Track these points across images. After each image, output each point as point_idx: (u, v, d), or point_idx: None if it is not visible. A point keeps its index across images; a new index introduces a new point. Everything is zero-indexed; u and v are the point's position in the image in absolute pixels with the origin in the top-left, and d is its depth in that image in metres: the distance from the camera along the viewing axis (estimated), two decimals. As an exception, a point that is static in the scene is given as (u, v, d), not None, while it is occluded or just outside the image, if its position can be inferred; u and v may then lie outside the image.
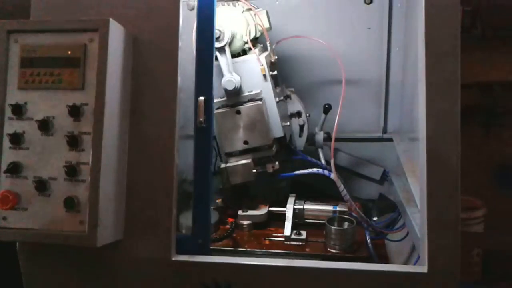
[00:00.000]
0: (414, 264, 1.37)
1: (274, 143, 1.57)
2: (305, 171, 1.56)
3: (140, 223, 1.19)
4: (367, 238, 1.46)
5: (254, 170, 1.53)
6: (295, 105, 1.72)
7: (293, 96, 1.72)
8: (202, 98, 1.22)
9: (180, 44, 1.21)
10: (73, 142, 1.10)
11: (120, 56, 1.17)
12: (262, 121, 1.49)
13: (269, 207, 1.58)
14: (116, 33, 1.14)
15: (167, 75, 1.20)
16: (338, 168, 2.07)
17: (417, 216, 1.42)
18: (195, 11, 1.27)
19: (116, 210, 1.16)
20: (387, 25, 1.92)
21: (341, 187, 1.47)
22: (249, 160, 1.52)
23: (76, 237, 1.10)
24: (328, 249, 1.40)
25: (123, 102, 1.18)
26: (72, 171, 1.10)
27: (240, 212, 1.55)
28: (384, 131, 2.00)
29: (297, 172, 1.58)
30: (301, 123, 1.72)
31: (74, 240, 1.10)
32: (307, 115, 1.73)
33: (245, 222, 1.53)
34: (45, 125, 1.12)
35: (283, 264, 1.20)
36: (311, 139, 1.77)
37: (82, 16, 1.20)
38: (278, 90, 1.61)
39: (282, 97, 1.59)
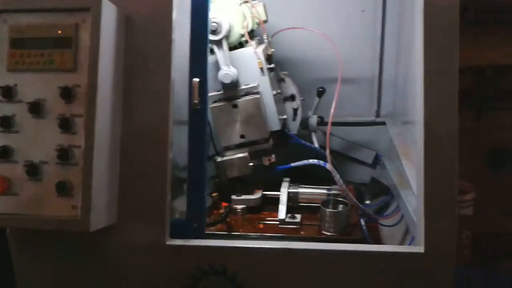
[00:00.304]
0: (408, 246, 1.37)
1: (271, 136, 1.55)
2: (301, 162, 1.55)
3: (133, 207, 1.17)
4: (361, 221, 1.45)
5: (251, 164, 1.51)
6: (289, 88, 1.70)
7: (287, 80, 1.70)
8: (196, 79, 1.20)
9: (174, 25, 1.17)
10: (65, 125, 1.07)
11: (113, 36, 1.13)
12: (259, 114, 1.47)
13: (263, 191, 1.57)
14: (108, 12, 1.10)
15: (161, 56, 1.17)
16: (331, 152, 2.07)
17: (411, 199, 1.41)
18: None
19: (109, 194, 1.13)
20: (381, 8, 1.90)
21: (337, 177, 1.46)
22: (245, 154, 1.51)
23: (68, 222, 1.07)
24: (323, 231, 1.39)
25: (116, 84, 1.15)
26: (64, 155, 1.07)
27: (234, 197, 1.53)
28: (377, 114, 2.00)
29: (292, 164, 1.57)
30: (295, 106, 1.70)
31: (66, 225, 1.07)
32: (301, 98, 1.71)
33: (239, 207, 1.52)
34: (36, 108, 1.08)
35: (278, 246, 1.18)
36: (304, 123, 1.76)
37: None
38: (275, 77, 1.60)
39: (279, 91, 1.58)
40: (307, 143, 1.67)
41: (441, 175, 1.12)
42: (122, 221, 1.17)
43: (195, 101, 1.19)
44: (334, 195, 1.51)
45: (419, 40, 1.14)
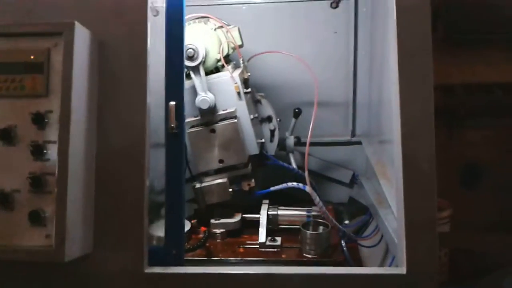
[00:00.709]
0: (389, 266, 1.35)
1: (250, 160, 1.53)
2: (280, 186, 1.53)
3: (110, 234, 1.13)
4: (342, 242, 1.43)
5: (230, 189, 1.49)
6: (265, 109, 1.69)
7: (264, 101, 1.69)
8: (173, 103, 1.17)
9: (149, 47, 1.16)
10: (38, 151, 1.03)
11: (86, 60, 1.11)
12: (237, 139, 1.46)
13: (242, 214, 1.54)
14: (81, 36, 1.08)
15: (136, 80, 1.15)
16: (308, 172, 2.06)
17: (390, 218, 1.41)
18: (159, 17, 1.22)
19: (84, 222, 1.09)
20: (353, 29, 1.92)
21: (317, 199, 1.44)
22: (224, 180, 1.48)
23: (42, 253, 1.02)
24: (304, 254, 1.37)
25: (90, 109, 1.11)
26: (37, 183, 1.03)
27: (212, 221, 1.50)
28: (353, 134, 2.00)
29: (272, 188, 1.54)
30: (272, 128, 1.69)
31: (40, 256, 1.03)
32: (278, 119, 1.70)
33: (218, 231, 1.49)
34: (7, 135, 1.04)
35: (259, 272, 1.15)
36: (281, 143, 1.75)
37: (44, 19, 1.13)
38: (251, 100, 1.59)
39: (256, 115, 1.56)
40: (285, 164, 1.66)
41: (420, 194, 1.12)
42: (98, 249, 1.13)
43: (172, 125, 1.16)
44: (314, 216, 1.49)
45: (393, 61, 1.14)
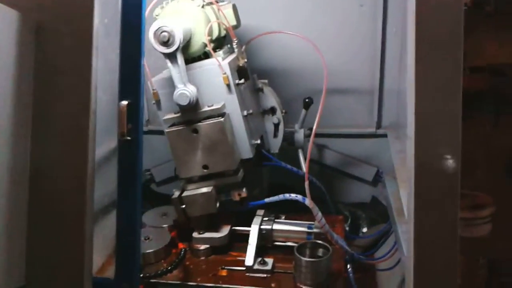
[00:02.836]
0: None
1: (241, 166, 1.24)
2: (276, 197, 1.25)
3: (45, 265, 0.90)
4: (348, 268, 1.15)
5: (217, 200, 1.21)
6: (268, 100, 1.39)
7: (266, 89, 1.39)
8: (124, 102, 0.91)
9: (95, 30, 0.89)
10: None
11: (14, 50, 0.85)
12: (224, 141, 1.16)
13: (233, 225, 1.27)
14: (5, 20, 0.82)
15: (79, 72, 0.89)
16: (325, 168, 1.77)
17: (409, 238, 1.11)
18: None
19: (12, 251, 0.87)
20: (382, 2, 1.57)
21: (318, 215, 1.16)
22: (209, 189, 1.19)
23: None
24: (298, 284, 1.10)
25: (19, 112, 0.87)
26: None
27: (195, 234, 1.24)
28: (378, 125, 1.68)
29: (267, 199, 1.26)
30: (276, 121, 1.39)
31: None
32: (283, 111, 1.40)
33: (202, 247, 1.22)
34: None
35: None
36: (290, 138, 1.45)
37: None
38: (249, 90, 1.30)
39: (250, 111, 1.25)
40: (288, 166, 1.37)
41: (436, 207, 0.85)
42: (33, 282, 0.90)
43: (122, 130, 0.90)
44: (315, 234, 1.20)
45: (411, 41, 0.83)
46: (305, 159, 1.42)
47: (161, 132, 1.24)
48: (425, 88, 0.83)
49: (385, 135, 1.66)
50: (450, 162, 0.84)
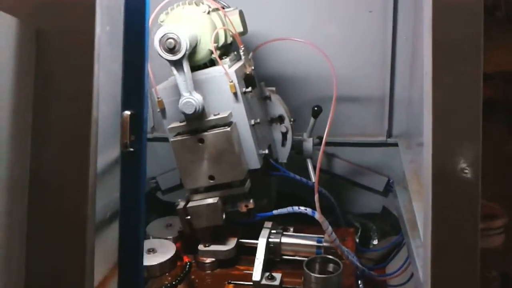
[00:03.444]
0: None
1: (248, 177, 1.20)
2: (285, 210, 1.20)
3: (44, 278, 0.86)
4: (360, 285, 1.10)
5: (223, 211, 1.17)
6: (276, 108, 1.35)
7: (274, 97, 1.35)
8: (127, 112, 0.87)
9: (97, 39, 0.85)
10: None
11: (14, 57, 0.81)
12: (231, 151, 1.12)
13: (240, 238, 1.22)
14: (4, 28, 0.79)
15: (80, 82, 0.85)
16: (334, 177, 1.73)
17: (421, 252, 1.06)
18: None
19: (11, 263, 0.83)
20: (392, 7, 1.52)
21: (329, 229, 1.11)
22: (215, 200, 1.15)
23: None
24: (307, 300, 1.05)
25: (18, 121, 0.83)
26: None
27: (200, 247, 1.19)
28: (389, 134, 1.63)
29: (275, 211, 1.21)
30: (284, 130, 1.35)
31: None
32: (291, 120, 1.36)
33: (207, 260, 1.18)
34: None
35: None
36: (298, 146, 1.41)
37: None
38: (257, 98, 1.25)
39: (258, 120, 1.21)
40: (297, 177, 1.32)
41: (455, 221, 0.79)
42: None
43: (126, 141, 0.86)
44: (325, 248, 1.15)
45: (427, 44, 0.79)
46: (314, 168, 1.38)
47: (166, 139, 1.21)
48: (443, 97, 0.79)
49: (396, 144, 1.61)
50: (469, 172, 0.79)
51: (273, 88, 1.38)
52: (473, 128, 0.77)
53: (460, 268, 0.81)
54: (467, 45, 0.77)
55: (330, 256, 1.10)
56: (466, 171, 0.77)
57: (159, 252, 1.20)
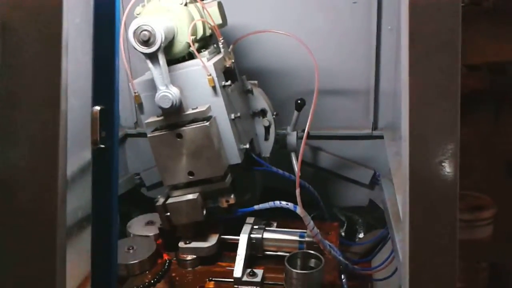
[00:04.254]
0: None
1: (229, 172, 1.16)
2: (266, 204, 1.16)
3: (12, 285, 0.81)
4: (342, 279, 1.07)
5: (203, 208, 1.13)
6: (258, 102, 1.32)
7: (256, 91, 1.32)
8: (97, 108, 0.83)
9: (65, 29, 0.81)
10: None
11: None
12: (210, 146, 1.08)
13: (221, 234, 1.19)
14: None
15: (47, 75, 0.81)
16: (320, 171, 1.69)
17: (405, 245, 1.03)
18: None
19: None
20: (376, -1, 1.49)
21: (310, 224, 1.07)
22: (195, 196, 1.12)
23: None
24: (289, 297, 1.02)
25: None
26: None
27: (181, 244, 1.16)
28: (374, 127, 1.60)
29: (256, 206, 1.18)
30: (266, 124, 1.32)
31: None
32: (274, 113, 1.32)
33: (188, 257, 1.15)
34: None
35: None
36: (282, 140, 1.38)
37: None
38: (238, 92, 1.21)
39: (238, 114, 1.17)
40: (280, 171, 1.29)
41: (431, 216, 0.76)
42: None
43: (96, 138, 0.82)
44: (307, 243, 1.12)
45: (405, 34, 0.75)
46: (296, 162, 1.35)
47: (150, 135, 1.17)
48: (420, 88, 0.75)
49: (381, 137, 1.58)
50: (447, 165, 0.76)
51: (255, 82, 1.34)
52: (451, 120, 0.74)
53: (439, 261, 0.78)
54: (444, 35, 0.73)
55: (312, 251, 1.07)
56: (444, 164, 0.74)
57: (139, 249, 1.17)
